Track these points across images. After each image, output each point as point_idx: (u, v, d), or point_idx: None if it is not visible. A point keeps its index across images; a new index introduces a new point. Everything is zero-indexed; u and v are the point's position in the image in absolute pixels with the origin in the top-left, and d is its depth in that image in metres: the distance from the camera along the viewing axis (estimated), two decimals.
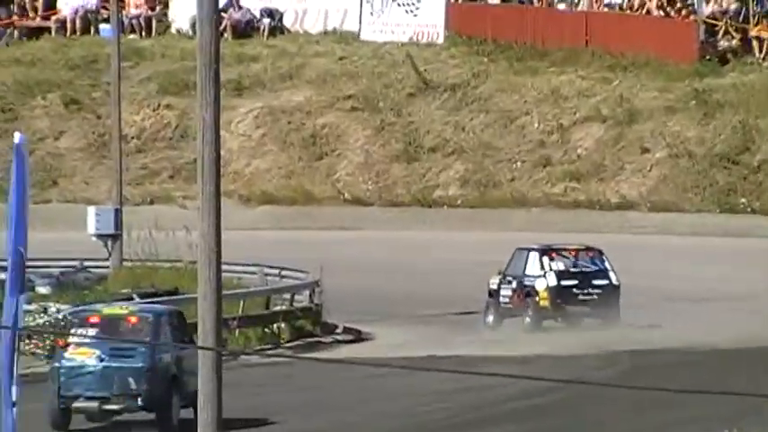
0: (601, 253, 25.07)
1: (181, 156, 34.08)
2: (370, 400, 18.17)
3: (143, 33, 37.89)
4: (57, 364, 18.07)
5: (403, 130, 35.49)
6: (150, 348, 17.87)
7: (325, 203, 34.68)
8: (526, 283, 24.64)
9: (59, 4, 38.62)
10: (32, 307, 22.17)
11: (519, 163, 34.88)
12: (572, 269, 25.07)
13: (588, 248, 25.49)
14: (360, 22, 37.19)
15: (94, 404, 17.64)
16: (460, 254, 29.11)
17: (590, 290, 24.67)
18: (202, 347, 8.80)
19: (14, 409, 8.21)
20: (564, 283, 24.61)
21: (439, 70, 36.31)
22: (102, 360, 17.91)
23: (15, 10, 38.86)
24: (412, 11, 36.89)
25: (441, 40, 36.84)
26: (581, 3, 37.96)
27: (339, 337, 25.71)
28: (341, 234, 32.91)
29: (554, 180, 34.71)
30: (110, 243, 28.79)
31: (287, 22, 38.26)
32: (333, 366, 20.24)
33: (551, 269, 24.79)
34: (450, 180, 35.14)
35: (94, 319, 18.77)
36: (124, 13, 35.81)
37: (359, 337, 25.17)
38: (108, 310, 19.08)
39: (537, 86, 35.90)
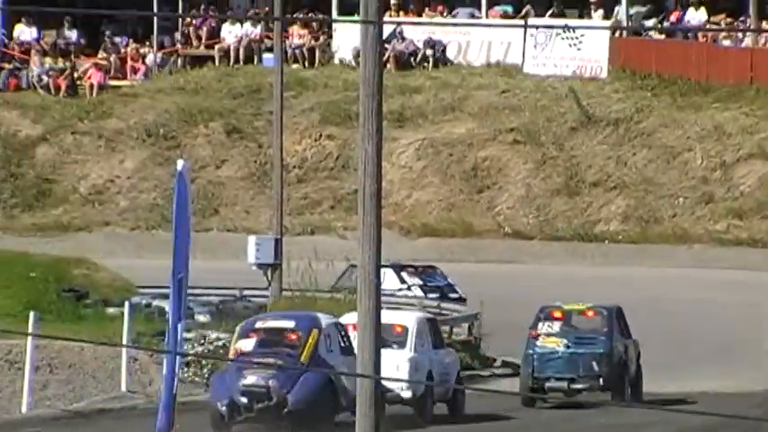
0: None
1: (341, 186, 34.82)
2: None
3: (306, 63, 38.74)
4: (530, 351, 22.34)
5: (564, 164, 35.69)
6: (608, 337, 22.31)
7: (486, 236, 35.04)
8: None
9: (223, 33, 39.83)
10: (191, 335, 22.83)
11: (681, 199, 34.98)
12: None
13: None
14: (523, 56, 37.57)
15: (563, 384, 22.18)
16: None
17: None
18: (361, 375, 8.95)
19: None
20: None
21: (601, 104, 36.51)
22: (568, 347, 22.45)
23: (179, 38, 40.25)
24: (575, 44, 37.02)
25: (604, 75, 37.04)
26: (745, 39, 37.87)
27: (497, 371, 26.38)
28: (500, 267, 33.21)
29: (716, 217, 34.72)
30: (269, 272, 29.08)
31: (450, 53, 38.90)
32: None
33: None
34: (612, 215, 35.21)
35: (557, 314, 23.01)
36: (287, 42, 36.58)
37: (517, 372, 25.21)
38: (568, 306, 23.31)
39: (700, 122, 36.02)
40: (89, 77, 38.07)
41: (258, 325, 18.94)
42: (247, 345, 18.13)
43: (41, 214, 34.54)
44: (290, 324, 18.82)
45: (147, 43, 39.78)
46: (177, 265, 8.05)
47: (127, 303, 25.18)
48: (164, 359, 8.51)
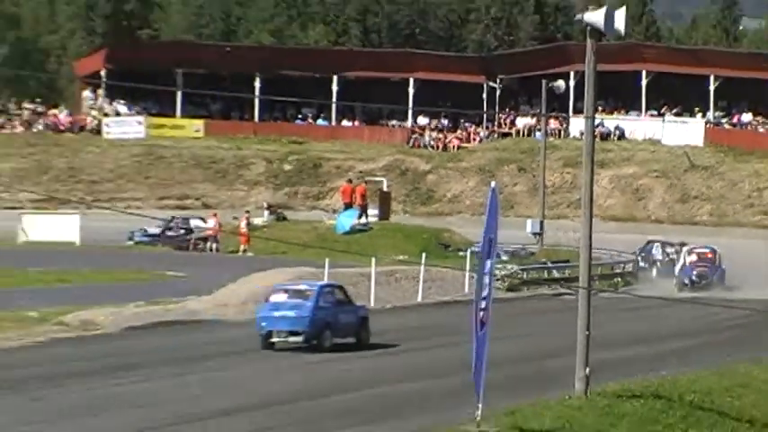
0: None
1: (574, 196, 68.06)
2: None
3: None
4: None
5: (674, 187, 63.31)
6: None
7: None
8: None
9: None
10: (499, 266, 31.58)
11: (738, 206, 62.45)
12: None
13: None
14: (662, 135, 65.64)
15: None
16: None
17: None
18: (581, 287, 15.55)
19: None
20: None
21: (700, 158, 64.00)
22: None
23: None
24: (687, 129, 64.93)
25: (701, 144, 65.11)
26: None
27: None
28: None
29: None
30: (538, 237, 47.51)
31: (627, 133, 66.80)
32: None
33: None
34: None
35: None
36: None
37: None
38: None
39: (748, 168, 62.90)
40: (451, 141, 68.29)
41: None
42: None
43: (428, 208, 68.94)
44: None
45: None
46: (488, 231, 14.21)
47: (468, 250, 38.26)
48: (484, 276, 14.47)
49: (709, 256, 41.98)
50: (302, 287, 24.02)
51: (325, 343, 22.41)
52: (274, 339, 22.50)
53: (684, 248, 42.64)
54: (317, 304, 22.61)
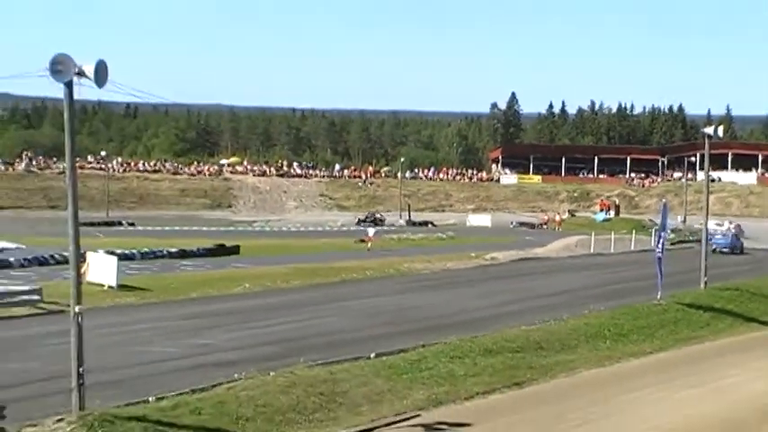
0: None
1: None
2: None
3: None
4: None
5: None
6: None
7: None
8: None
9: None
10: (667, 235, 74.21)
11: None
12: None
13: None
14: None
15: None
16: None
17: None
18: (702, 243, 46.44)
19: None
20: None
21: None
22: None
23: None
24: None
25: None
26: None
27: None
28: None
29: None
30: (683, 224, 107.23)
31: None
32: None
33: None
34: None
35: None
36: None
37: None
38: None
39: None
40: (645, 182, 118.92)
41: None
42: None
43: (636, 210, 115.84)
44: None
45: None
46: (662, 221, 37.37)
47: (653, 228, 65.25)
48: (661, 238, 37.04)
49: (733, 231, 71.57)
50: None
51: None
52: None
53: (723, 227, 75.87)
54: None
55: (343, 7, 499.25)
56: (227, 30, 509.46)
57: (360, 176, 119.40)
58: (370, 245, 60.71)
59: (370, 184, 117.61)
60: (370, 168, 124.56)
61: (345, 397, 20.14)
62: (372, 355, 23.48)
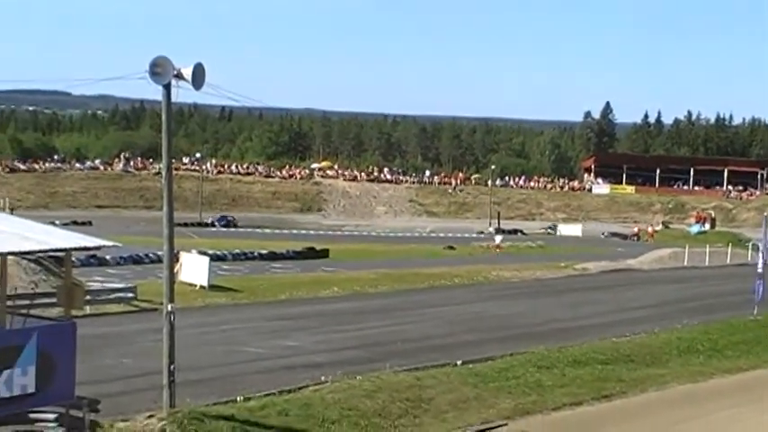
0: None
1: None
2: None
3: None
4: None
5: None
6: None
7: None
8: None
9: None
10: None
11: None
12: None
13: None
14: None
15: None
16: None
17: None
18: None
19: None
20: None
21: None
22: None
23: None
24: None
25: None
26: None
27: None
28: None
29: None
30: None
31: None
32: None
33: None
34: None
35: None
36: None
37: None
38: None
39: None
40: (742, 195, 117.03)
41: None
42: None
43: (732, 224, 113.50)
44: None
45: None
46: (764, 234, 38.43)
47: (750, 242, 73.84)
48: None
49: None
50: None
51: None
52: None
53: None
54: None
55: (435, 16, 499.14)
56: (321, 35, 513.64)
57: (450, 183, 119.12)
58: (498, 250, 64.98)
59: (460, 190, 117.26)
60: (461, 175, 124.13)
61: (431, 403, 20.08)
62: (459, 363, 23.38)
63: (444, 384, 21.23)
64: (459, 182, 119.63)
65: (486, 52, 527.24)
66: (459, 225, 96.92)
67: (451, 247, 66.40)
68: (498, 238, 70.87)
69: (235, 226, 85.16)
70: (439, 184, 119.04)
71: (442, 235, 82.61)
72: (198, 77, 16.23)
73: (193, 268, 37.59)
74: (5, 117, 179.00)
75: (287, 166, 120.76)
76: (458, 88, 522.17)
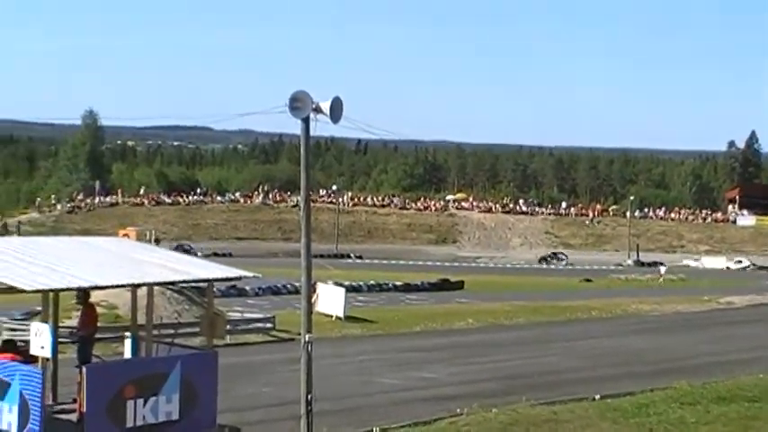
0: None
1: None
2: None
3: None
4: None
5: None
6: None
7: None
8: None
9: None
10: None
11: None
12: None
13: None
14: None
15: None
16: None
17: None
18: None
19: None
20: None
21: None
22: None
23: None
24: None
25: None
26: None
27: None
28: None
29: None
30: None
31: None
32: None
33: None
34: None
35: None
36: None
37: None
38: None
39: None
40: None
41: None
42: None
43: None
44: None
45: None
46: None
47: None
48: None
49: None
50: None
51: None
52: None
53: None
54: None
55: (571, 45, 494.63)
56: (455, 67, 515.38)
57: (587, 214, 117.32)
58: (661, 279, 65.02)
59: (598, 222, 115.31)
60: (598, 206, 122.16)
61: None
62: (597, 397, 22.89)
63: (582, 419, 20.80)
64: (596, 213, 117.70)
65: (623, 81, 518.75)
66: (597, 257, 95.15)
67: (588, 280, 65.26)
68: (663, 269, 71.49)
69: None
70: (576, 215, 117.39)
71: (578, 267, 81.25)
72: (335, 111, 16.50)
73: (330, 299, 38.06)
74: (152, 152, 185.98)
75: (422, 198, 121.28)
76: (595, 119, 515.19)
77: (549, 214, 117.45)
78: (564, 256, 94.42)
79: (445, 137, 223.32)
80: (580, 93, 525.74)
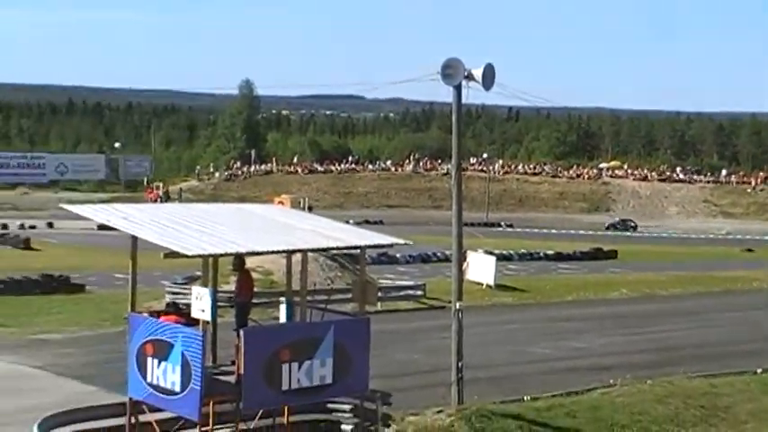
0: None
1: None
2: None
3: None
4: None
5: None
6: None
7: None
8: None
9: None
10: None
11: None
12: None
13: None
14: None
15: None
16: None
17: None
18: None
19: None
20: None
21: None
22: None
23: None
24: None
25: None
26: None
27: None
28: None
29: None
30: None
31: None
32: None
33: None
34: None
35: None
36: None
37: None
38: None
39: None
40: None
41: None
42: None
43: None
44: None
45: None
46: None
47: None
48: None
49: None
50: None
51: None
52: None
53: None
54: None
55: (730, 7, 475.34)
56: (607, 33, 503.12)
57: (749, 183, 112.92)
58: None
59: (761, 190, 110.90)
60: (761, 174, 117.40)
61: (728, 412, 19.13)
62: (759, 371, 22.11)
63: (743, 393, 20.16)
64: (759, 181, 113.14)
65: None
66: (760, 227, 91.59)
67: (750, 250, 62.96)
68: None
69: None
70: (737, 183, 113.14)
71: (739, 237, 78.46)
72: (488, 78, 16.37)
73: (480, 267, 38.01)
74: (305, 121, 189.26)
75: (574, 166, 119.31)
76: (758, 83, 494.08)
77: (708, 182, 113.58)
78: (633, 223, 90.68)
79: (600, 103, 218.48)
80: (741, 55, 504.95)
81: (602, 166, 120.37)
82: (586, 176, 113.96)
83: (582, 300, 35.93)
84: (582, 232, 79.89)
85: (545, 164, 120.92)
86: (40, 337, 25.26)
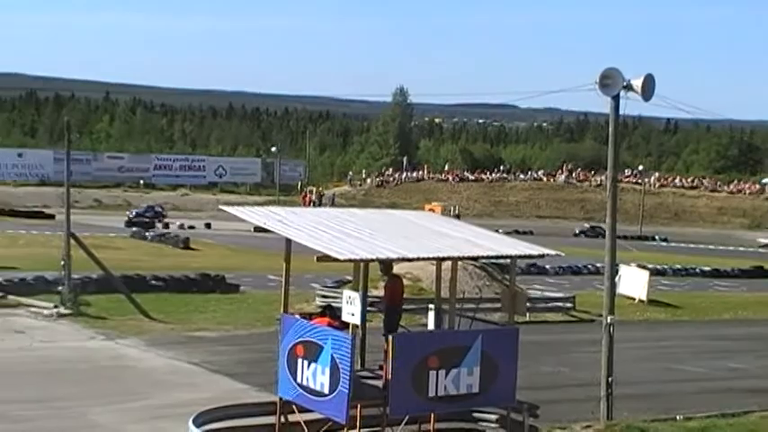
0: None
1: None
2: None
3: None
4: None
5: None
6: None
7: None
8: None
9: None
10: None
11: None
12: None
13: None
14: None
15: None
16: None
17: None
18: None
19: None
20: None
21: None
22: None
23: None
24: None
25: None
26: None
27: None
28: None
29: None
30: None
31: None
32: None
33: None
34: None
35: None
36: None
37: None
38: None
39: None
40: None
41: None
42: None
43: None
44: None
45: None
46: None
47: None
48: None
49: None
50: None
51: None
52: None
53: None
54: None
55: None
56: None
57: None
58: None
59: None
60: None
61: None
62: None
63: None
64: None
65: None
66: None
67: None
68: None
69: (163, 217, 73.67)
70: None
71: None
72: (648, 89, 16.03)
73: (632, 281, 37.23)
74: (457, 129, 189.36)
75: (735, 181, 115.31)
76: None
77: None
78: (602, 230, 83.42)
79: (763, 116, 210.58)
80: None
81: (765, 181, 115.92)
82: (748, 191, 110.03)
83: (740, 319, 34.71)
84: (741, 249, 77.11)
85: (703, 177, 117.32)
86: (196, 335, 26.14)
